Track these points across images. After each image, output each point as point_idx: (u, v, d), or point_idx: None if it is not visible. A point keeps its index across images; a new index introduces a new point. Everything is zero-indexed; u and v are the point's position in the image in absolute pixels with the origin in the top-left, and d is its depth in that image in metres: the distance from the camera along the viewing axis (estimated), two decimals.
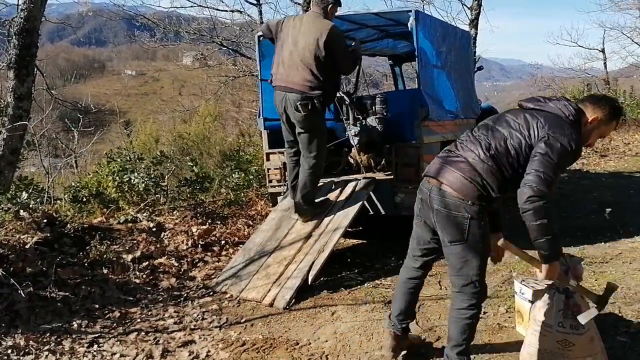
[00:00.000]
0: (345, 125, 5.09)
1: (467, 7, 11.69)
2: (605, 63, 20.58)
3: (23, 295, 3.56)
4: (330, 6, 4.31)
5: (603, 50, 20.49)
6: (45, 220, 4.57)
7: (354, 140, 4.95)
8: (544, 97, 2.59)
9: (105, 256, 4.34)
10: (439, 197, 2.48)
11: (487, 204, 2.47)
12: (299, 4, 11.03)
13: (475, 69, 6.77)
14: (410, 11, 4.69)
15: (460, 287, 2.57)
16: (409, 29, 4.66)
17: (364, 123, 5.09)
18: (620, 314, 3.24)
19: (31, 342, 3.21)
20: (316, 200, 4.62)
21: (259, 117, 5.48)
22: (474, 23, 11.14)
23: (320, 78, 4.18)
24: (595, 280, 3.83)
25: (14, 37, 5.03)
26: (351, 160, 5.28)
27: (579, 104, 2.56)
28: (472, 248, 2.51)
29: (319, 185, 4.65)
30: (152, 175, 5.80)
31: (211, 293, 4.11)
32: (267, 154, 5.32)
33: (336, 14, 4.53)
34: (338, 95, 5.03)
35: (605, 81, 18.72)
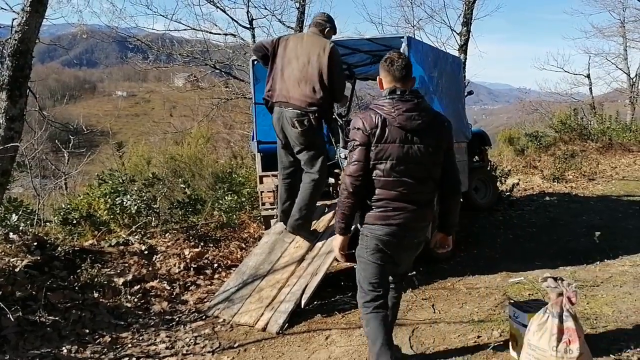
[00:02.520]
0: (336, 147, 5.12)
1: (456, 33, 11.96)
2: (590, 88, 21.07)
3: (12, 319, 3.51)
4: (327, 29, 4.49)
5: (588, 76, 20.97)
6: (35, 243, 4.52)
7: (344, 163, 4.98)
8: (402, 103, 2.75)
9: (96, 280, 4.29)
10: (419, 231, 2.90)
11: None
12: (291, 27, 11.21)
13: (466, 94, 6.88)
14: (403, 37, 4.78)
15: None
16: None
17: None
18: (612, 338, 3.25)
19: None
20: (312, 228, 4.63)
21: (252, 140, 5.50)
22: (463, 48, 11.35)
23: (320, 95, 4.25)
24: (587, 303, 3.85)
25: (7, 58, 5.02)
26: (340, 182, 5.30)
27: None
28: None
29: (316, 205, 4.64)
30: (144, 198, 5.77)
31: (203, 317, 4.07)
32: (261, 177, 5.33)
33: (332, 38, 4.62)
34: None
35: (591, 106, 19.08)
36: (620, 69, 21.39)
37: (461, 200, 2.86)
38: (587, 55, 21.80)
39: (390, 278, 2.99)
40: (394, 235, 2.77)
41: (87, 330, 3.74)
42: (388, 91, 2.79)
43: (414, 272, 4.44)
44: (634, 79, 20.77)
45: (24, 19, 4.89)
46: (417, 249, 2.98)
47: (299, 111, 4.25)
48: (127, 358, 3.39)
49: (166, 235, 5.62)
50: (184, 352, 3.48)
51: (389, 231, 2.76)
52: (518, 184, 9.34)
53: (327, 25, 4.48)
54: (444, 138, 2.80)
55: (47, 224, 5.78)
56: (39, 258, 4.34)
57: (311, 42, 4.34)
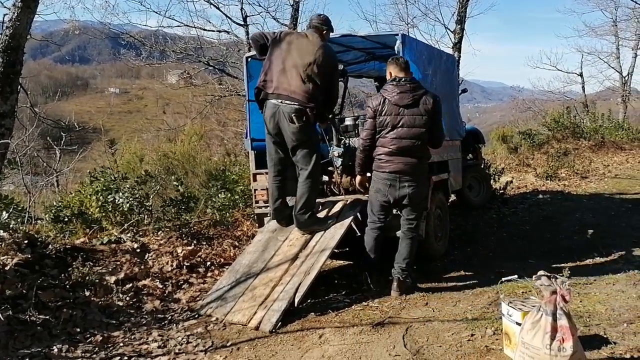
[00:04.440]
0: (329, 146, 5.10)
1: (450, 31, 11.96)
2: (583, 86, 21.18)
3: (2, 318, 3.46)
4: (325, 31, 4.56)
5: (581, 74, 21.08)
6: (26, 241, 4.46)
7: (337, 162, 4.97)
8: (403, 87, 4.14)
9: (87, 278, 4.24)
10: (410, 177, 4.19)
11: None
12: (285, 25, 11.17)
13: (460, 92, 6.87)
14: (397, 35, 4.76)
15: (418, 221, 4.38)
16: (396, 52, 4.74)
17: (347, 144, 5.12)
18: (605, 336, 3.25)
19: None
20: (318, 216, 4.65)
21: (245, 137, 5.46)
22: (457, 46, 11.37)
23: (319, 92, 4.33)
24: (580, 301, 3.85)
25: None
26: (333, 180, 5.27)
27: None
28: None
29: (316, 199, 4.67)
30: (137, 195, 5.71)
31: (196, 316, 4.04)
32: (254, 175, 5.30)
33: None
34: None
35: (584, 104, 19.19)
36: (612, 68, 21.56)
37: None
38: (580, 53, 22.10)
39: (403, 222, 4.31)
40: (388, 178, 4.15)
41: (78, 329, 3.70)
42: (392, 78, 4.20)
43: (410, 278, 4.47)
44: (626, 78, 20.92)
45: (15, 14, 4.84)
46: (414, 200, 4.21)
47: (297, 106, 4.26)
48: (119, 357, 3.35)
49: (159, 233, 5.57)
50: (176, 351, 3.44)
51: (385, 175, 4.16)
52: (511, 182, 9.37)
53: (324, 28, 4.56)
54: (428, 110, 4.08)
55: (38, 221, 5.72)
56: (29, 256, 4.29)
57: (317, 44, 4.40)
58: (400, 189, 4.15)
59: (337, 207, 4.79)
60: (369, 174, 4.41)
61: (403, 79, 4.13)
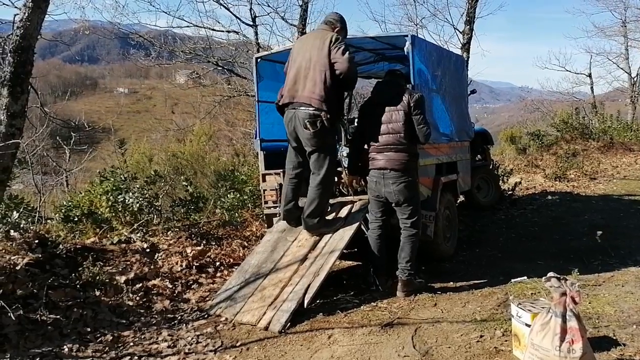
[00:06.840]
0: (338, 146, 5.10)
1: (459, 31, 11.90)
2: (592, 87, 21.07)
3: (13, 318, 3.49)
4: (337, 29, 4.41)
5: (590, 75, 20.96)
6: (36, 241, 4.49)
7: (345, 162, 4.98)
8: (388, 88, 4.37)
9: (97, 278, 4.28)
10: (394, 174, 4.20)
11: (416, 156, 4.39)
12: (294, 25, 11.18)
13: (469, 93, 6.84)
14: (407, 35, 4.75)
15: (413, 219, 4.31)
16: (405, 53, 4.73)
17: None
18: (614, 337, 3.24)
19: None
20: (327, 218, 4.64)
21: (255, 138, 5.47)
22: (466, 47, 11.32)
23: (330, 87, 4.19)
24: (589, 303, 3.84)
25: (9, 54, 5.00)
26: (342, 181, 5.28)
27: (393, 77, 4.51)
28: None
29: (327, 204, 4.66)
30: (146, 195, 5.74)
31: (206, 316, 4.06)
32: (263, 175, 5.31)
33: None
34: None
35: (593, 105, 19.06)
36: (621, 69, 21.45)
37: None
38: (588, 54, 22.15)
39: (401, 226, 4.32)
40: (375, 175, 4.27)
41: (89, 329, 3.72)
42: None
43: (422, 280, 4.48)
44: (635, 79, 20.77)
45: (26, 14, 4.87)
46: (401, 197, 4.20)
47: (310, 112, 4.23)
48: (129, 357, 3.37)
49: (168, 233, 5.60)
50: (186, 350, 3.46)
51: (373, 172, 4.29)
52: (520, 182, 9.34)
53: (337, 25, 4.43)
54: (404, 105, 4.13)
55: (49, 221, 5.77)
56: (40, 256, 4.32)
57: (314, 37, 4.37)
58: (385, 185, 4.21)
59: (346, 208, 4.79)
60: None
61: (384, 80, 4.43)
